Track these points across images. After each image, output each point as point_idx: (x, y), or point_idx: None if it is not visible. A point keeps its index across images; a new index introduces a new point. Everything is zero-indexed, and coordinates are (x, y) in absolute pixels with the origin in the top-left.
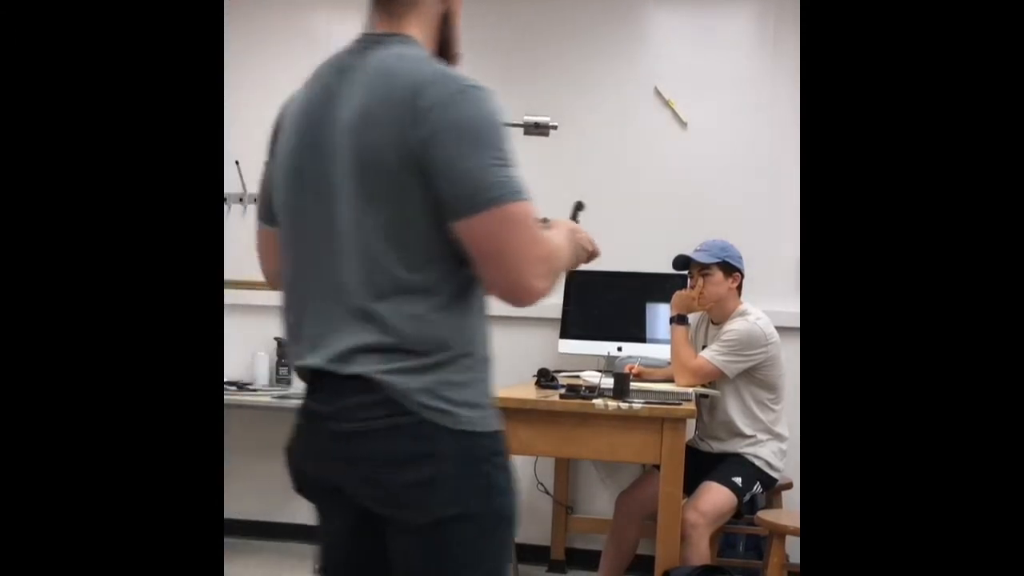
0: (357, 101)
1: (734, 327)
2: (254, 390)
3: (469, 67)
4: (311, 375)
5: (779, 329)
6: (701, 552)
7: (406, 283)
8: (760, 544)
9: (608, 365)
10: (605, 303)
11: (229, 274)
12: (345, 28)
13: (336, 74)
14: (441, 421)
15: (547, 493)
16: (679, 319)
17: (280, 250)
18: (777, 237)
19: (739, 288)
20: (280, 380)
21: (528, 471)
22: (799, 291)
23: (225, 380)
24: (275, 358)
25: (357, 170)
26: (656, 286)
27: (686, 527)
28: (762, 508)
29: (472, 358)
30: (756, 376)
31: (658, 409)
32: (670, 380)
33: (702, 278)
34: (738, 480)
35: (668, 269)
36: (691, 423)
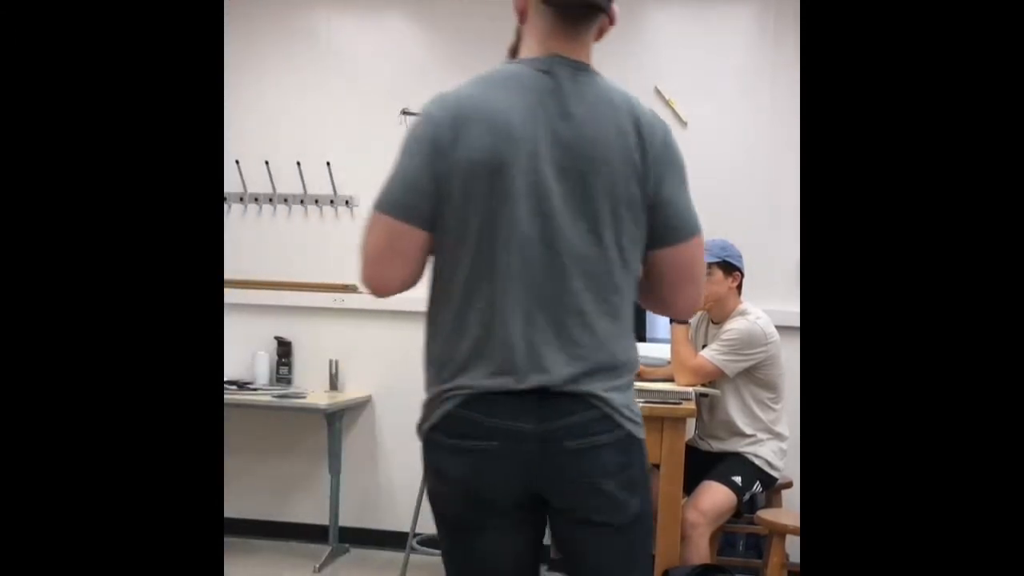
0: (587, 127)
1: (734, 326)
2: (254, 389)
3: (477, 67)
4: (521, 394)
5: (779, 329)
6: (701, 551)
7: (614, 305)
8: (760, 543)
9: None
10: None
11: (229, 273)
12: (345, 28)
13: (550, 93)
14: (636, 433)
15: None
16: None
17: (447, 254)
18: (777, 237)
19: (739, 287)
20: (280, 379)
21: None
22: (799, 291)
23: (225, 379)
24: (275, 357)
25: (581, 192)
26: None
27: (686, 526)
28: (762, 507)
29: (634, 375)
30: (756, 375)
31: (658, 408)
32: (670, 379)
33: None
34: (738, 479)
35: None
36: (691, 422)
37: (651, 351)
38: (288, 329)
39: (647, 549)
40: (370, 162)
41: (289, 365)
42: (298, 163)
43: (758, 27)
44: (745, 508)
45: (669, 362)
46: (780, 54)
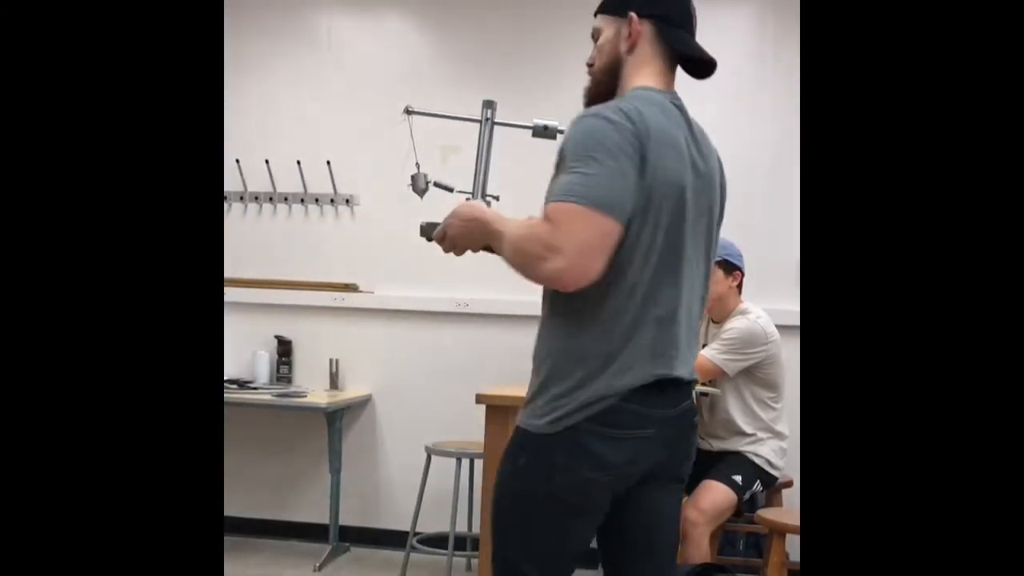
0: (710, 161)
1: (734, 325)
2: (254, 388)
3: (477, 67)
4: (664, 383)
5: (779, 328)
6: (701, 550)
7: None
8: (760, 542)
9: None
10: None
11: (229, 272)
12: (345, 28)
13: (687, 126)
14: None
15: None
16: None
17: (633, 257)
18: (777, 237)
19: (739, 286)
20: (280, 378)
21: None
22: (799, 290)
23: (225, 378)
24: (275, 356)
25: (707, 219)
26: None
27: (686, 525)
28: (762, 506)
29: None
30: (756, 374)
31: None
32: None
33: None
34: (738, 478)
35: None
36: None
37: None
38: (288, 328)
39: None
40: (370, 161)
41: (289, 364)
42: (298, 162)
43: (758, 27)
44: (745, 507)
45: None
46: (780, 55)
